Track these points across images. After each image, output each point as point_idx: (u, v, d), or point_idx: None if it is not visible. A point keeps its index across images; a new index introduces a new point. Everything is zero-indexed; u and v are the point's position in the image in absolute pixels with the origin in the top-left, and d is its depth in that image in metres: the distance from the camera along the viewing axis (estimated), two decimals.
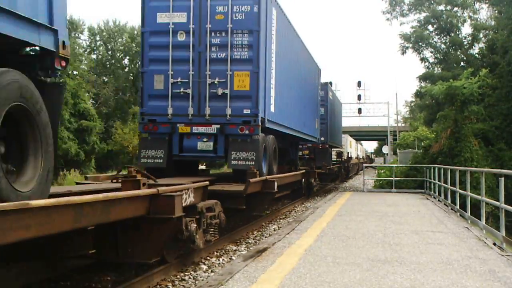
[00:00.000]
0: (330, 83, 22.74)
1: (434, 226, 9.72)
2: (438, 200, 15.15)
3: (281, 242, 7.69)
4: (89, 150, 32.76)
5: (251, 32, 10.33)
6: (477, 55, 31.03)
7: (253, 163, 10.14)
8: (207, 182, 7.41)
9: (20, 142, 4.35)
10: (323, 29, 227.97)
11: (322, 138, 21.87)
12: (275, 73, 11.82)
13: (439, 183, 15.05)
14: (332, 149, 27.25)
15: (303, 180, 16.69)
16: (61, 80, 6.46)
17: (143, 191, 5.51)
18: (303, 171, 16.89)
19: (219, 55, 10.42)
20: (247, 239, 10.17)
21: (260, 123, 10.41)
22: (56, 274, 5.88)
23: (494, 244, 7.77)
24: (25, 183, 4.28)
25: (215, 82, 10.37)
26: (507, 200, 9.47)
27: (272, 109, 11.66)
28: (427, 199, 16.22)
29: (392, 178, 20.34)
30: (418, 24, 32.95)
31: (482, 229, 9.14)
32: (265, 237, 10.22)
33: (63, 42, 4.92)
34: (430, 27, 33.00)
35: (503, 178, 8.23)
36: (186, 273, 7.20)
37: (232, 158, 10.25)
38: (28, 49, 4.89)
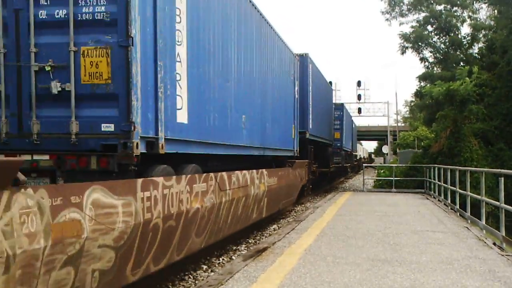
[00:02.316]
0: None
1: (434, 226, 9.72)
2: (438, 200, 15.14)
3: (281, 242, 7.69)
4: None
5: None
6: (476, 55, 30.99)
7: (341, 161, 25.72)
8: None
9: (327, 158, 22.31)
10: (323, 29, 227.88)
11: (350, 148, 34.04)
12: (345, 130, 27.35)
13: (439, 183, 15.05)
14: (353, 153, 39.85)
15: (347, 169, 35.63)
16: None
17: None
18: (349, 164, 34.78)
19: None
20: (247, 239, 10.18)
21: (342, 147, 25.71)
22: None
23: (494, 244, 7.77)
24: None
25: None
26: (507, 200, 9.47)
27: (344, 142, 25.95)
28: (427, 199, 16.22)
29: (392, 178, 20.36)
30: (418, 24, 32.92)
31: (482, 229, 9.14)
32: (265, 237, 10.24)
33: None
34: (429, 27, 32.96)
35: (503, 178, 8.23)
36: (186, 273, 7.20)
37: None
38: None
